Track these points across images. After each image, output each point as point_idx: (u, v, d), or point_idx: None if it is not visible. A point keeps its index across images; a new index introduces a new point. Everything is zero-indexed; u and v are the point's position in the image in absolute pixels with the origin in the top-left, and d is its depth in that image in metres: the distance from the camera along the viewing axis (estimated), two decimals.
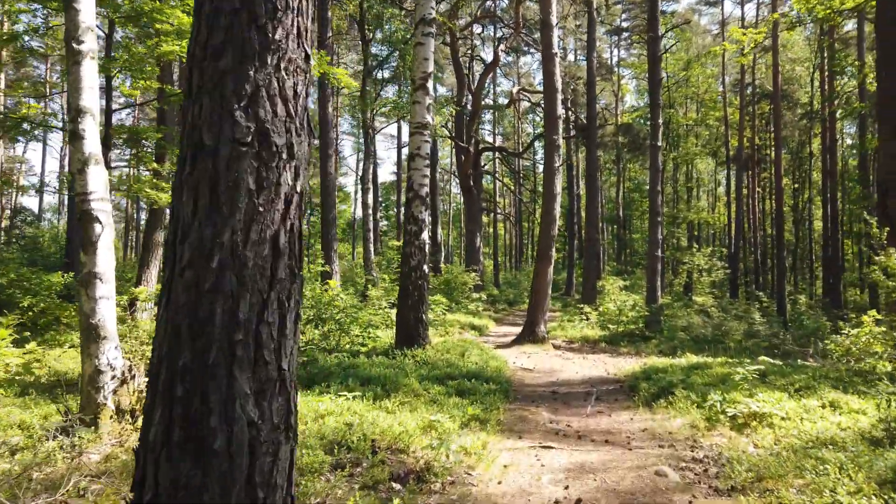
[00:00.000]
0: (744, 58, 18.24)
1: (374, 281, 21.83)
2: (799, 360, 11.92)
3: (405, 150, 41.30)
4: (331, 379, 6.94)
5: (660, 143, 18.58)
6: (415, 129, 8.79)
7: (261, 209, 2.20)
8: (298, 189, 2.36)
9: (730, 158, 36.81)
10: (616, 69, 43.84)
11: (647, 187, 19.20)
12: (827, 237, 29.23)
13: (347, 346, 9.13)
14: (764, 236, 40.26)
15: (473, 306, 22.39)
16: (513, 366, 9.95)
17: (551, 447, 5.29)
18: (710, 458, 5.07)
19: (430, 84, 8.95)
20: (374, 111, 21.45)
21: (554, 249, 13.00)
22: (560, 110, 13.16)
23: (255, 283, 2.16)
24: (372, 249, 22.10)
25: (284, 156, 2.30)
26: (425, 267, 8.69)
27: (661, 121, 18.61)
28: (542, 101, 13.73)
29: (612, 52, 45.73)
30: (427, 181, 8.77)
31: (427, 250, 8.72)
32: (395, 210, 49.53)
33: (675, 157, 38.15)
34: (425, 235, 8.70)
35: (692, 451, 5.26)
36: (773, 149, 40.95)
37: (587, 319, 17.70)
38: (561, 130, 13.25)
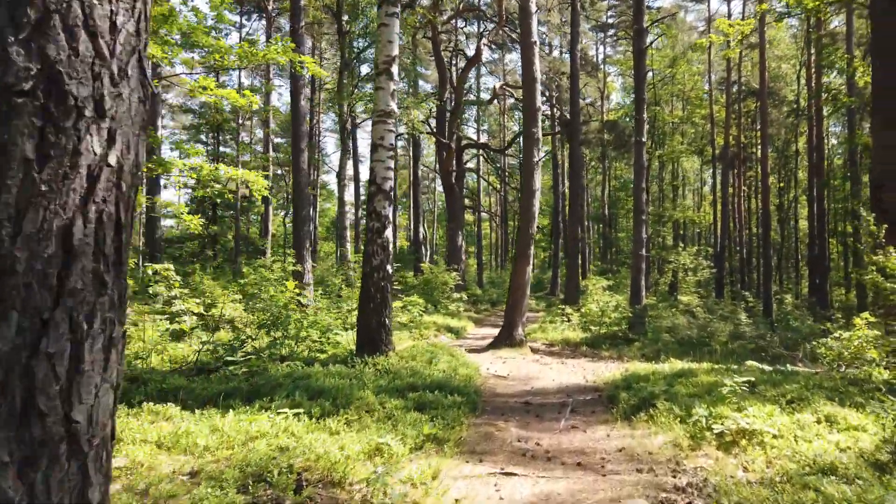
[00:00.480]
0: (731, 51, 17.71)
1: (350, 281, 21.12)
2: (788, 365, 11.41)
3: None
4: (277, 392, 6.25)
5: (644, 140, 18.04)
6: (378, 117, 8.09)
7: (44, 188, 1.51)
8: (113, 161, 1.66)
9: (715, 157, 36.48)
10: (602, 66, 43.38)
11: (633, 185, 18.64)
12: (813, 236, 28.92)
13: (305, 353, 8.43)
14: (749, 235, 40.04)
15: (454, 307, 21.76)
16: (485, 373, 9.30)
17: (514, 474, 4.63)
18: (695, 486, 4.44)
19: (394, 69, 8.25)
20: (352, 105, 20.71)
21: (533, 248, 12.39)
22: (539, 102, 12.54)
23: (30, 297, 1.47)
24: (349, 248, 21.37)
25: (88, 112, 1.60)
26: (388, 267, 8.02)
27: (645, 116, 18.07)
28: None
29: (597, 50, 45.30)
30: (391, 174, 8.09)
31: (391, 249, 8.04)
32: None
33: (660, 155, 37.79)
34: (388, 233, 8.02)
35: (674, 477, 4.63)
36: (758, 147, 40.76)
37: (569, 321, 17.14)
38: (541, 124, 12.62)
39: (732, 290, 35.66)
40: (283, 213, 54.38)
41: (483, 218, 46.90)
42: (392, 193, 8.05)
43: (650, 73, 36.89)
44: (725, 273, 35.16)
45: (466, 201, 30.74)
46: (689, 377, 7.78)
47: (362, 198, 61.54)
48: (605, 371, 9.94)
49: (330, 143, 72.78)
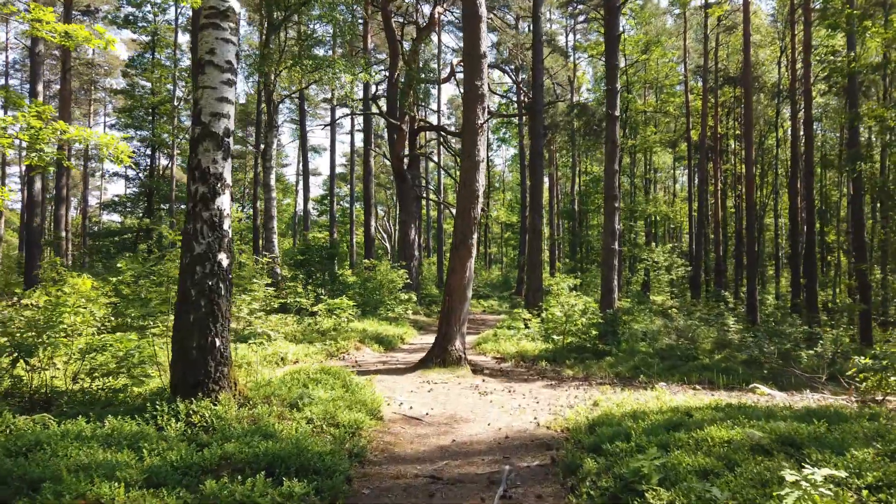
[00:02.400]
0: (718, 7, 15.07)
1: (278, 280, 18.01)
2: (809, 393, 8.77)
3: (351, 136, 37.14)
4: None
5: (618, 114, 15.37)
6: (207, 17, 5.09)
7: None
8: None
9: (691, 148, 34.26)
10: (572, 53, 40.90)
11: (605, 168, 15.96)
12: (796, 232, 26.77)
13: (98, 391, 5.39)
14: (725, 232, 37.93)
15: (400, 309, 18.83)
16: (391, 414, 6.38)
17: None
18: None
19: None
20: (278, 72, 17.57)
21: (476, 237, 9.50)
22: (485, 47, 9.63)
23: None
24: (276, 241, 18.25)
25: None
26: (223, 257, 5.04)
27: (619, 86, 15.42)
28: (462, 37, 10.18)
29: (567, 37, 42.77)
30: (229, 110, 5.11)
31: (228, 229, 5.06)
32: (349, 206, 45.60)
33: (633, 146, 35.40)
34: (224, 203, 5.05)
35: None
36: (735, 139, 38.79)
37: (527, 328, 14.34)
38: (487, 78, 9.75)
39: (708, 289, 33.49)
40: (238, 207, 50.65)
41: (442, 210, 44.07)
42: (229, 141, 5.07)
43: (623, 61, 34.48)
44: (701, 271, 32.94)
45: (423, 191, 27.75)
46: (692, 429, 4.97)
47: (321, 191, 57.66)
48: (567, 403, 7.12)
49: (285, 134, 68.91)
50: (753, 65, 34.24)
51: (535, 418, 6.43)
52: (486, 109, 9.69)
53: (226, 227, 5.10)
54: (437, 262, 33.82)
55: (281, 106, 51.18)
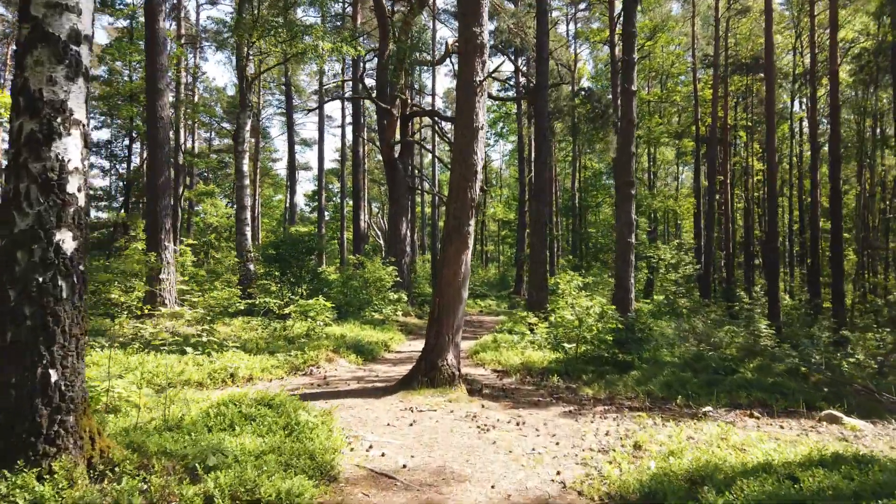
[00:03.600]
0: None
1: (249, 277, 16.07)
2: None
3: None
4: None
5: (635, 89, 13.48)
6: None
7: None
8: None
9: (699, 139, 32.39)
10: (573, 42, 39.06)
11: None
12: (816, 225, 24.99)
13: None
14: (733, 229, 36.11)
15: (389, 310, 16.93)
16: (352, 469, 4.44)
17: None
18: None
19: None
20: (251, 42, 15.59)
21: (473, 223, 7.58)
22: None
23: None
24: (248, 234, 16.30)
25: None
26: (65, 237, 3.12)
27: (636, 56, 13.52)
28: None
29: (567, 27, 40.87)
30: (86, 4, 3.22)
31: (82, 192, 3.13)
32: (340, 201, 43.51)
33: (638, 137, 33.50)
34: (72, 150, 3.14)
35: None
36: (746, 130, 36.95)
37: (532, 333, 12.42)
38: (487, 24, 7.81)
39: (715, 289, 31.73)
40: (227, 202, 48.42)
41: (436, 203, 42.13)
42: (78, 51, 3.14)
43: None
44: (711, 269, 31.09)
45: (417, 182, 25.76)
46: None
47: (314, 186, 55.61)
48: (598, 445, 5.23)
49: (275, 127, 66.77)
50: (762, 54, 32.43)
51: (559, 473, 4.52)
52: (486, 65, 7.76)
53: (72, 189, 3.16)
54: (432, 260, 31.89)
55: (270, 98, 49.31)
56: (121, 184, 34.62)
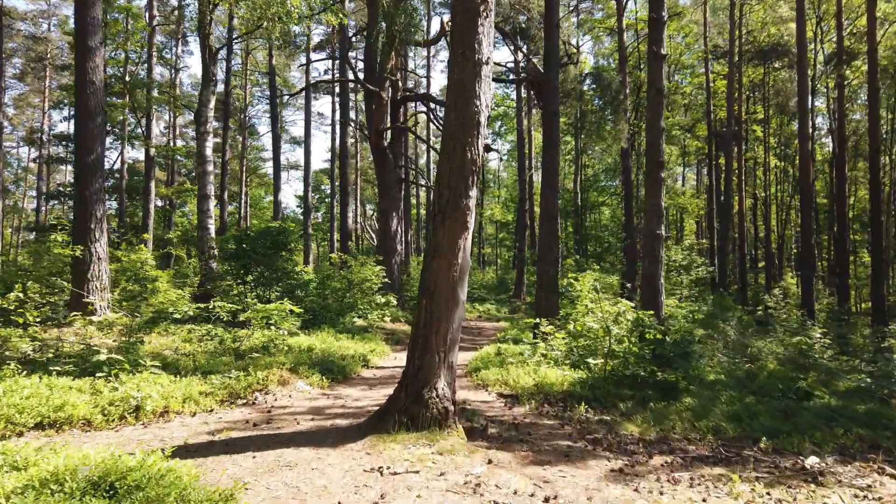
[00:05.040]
0: None
1: (212, 277, 13.85)
2: None
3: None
4: None
5: (665, 52, 11.35)
6: None
7: None
8: None
9: (712, 132, 30.32)
10: (576, 34, 37.03)
11: (647, 122, 11.92)
12: (844, 223, 22.86)
13: None
14: (743, 227, 34.01)
15: (375, 315, 14.79)
16: None
17: None
18: None
19: None
20: (214, 6, 13.39)
21: (474, 196, 5.39)
22: None
23: None
24: (211, 228, 14.09)
25: None
26: None
27: (665, 14, 11.39)
28: None
29: (569, 19, 38.84)
30: None
31: None
32: (330, 202, 41.08)
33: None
34: None
35: None
36: (760, 124, 34.90)
37: (545, 342, 10.18)
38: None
39: (728, 291, 29.57)
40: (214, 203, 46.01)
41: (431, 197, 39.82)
42: None
43: (630, 35, 30.68)
44: (725, 271, 28.95)
45: (410, 172, 23.52)
46: None
47: (298, 189, 53.43)
48: None
49: (263, 124, 64.38)
50: (781, 40, 30.45)
51: None
52: None
53: None
54: (424, 258, 29.57)
55: (255, 90, 46.97)
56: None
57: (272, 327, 9.45)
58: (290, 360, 7.69)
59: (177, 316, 9.83)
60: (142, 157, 31.39)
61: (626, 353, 7.92)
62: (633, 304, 9.25)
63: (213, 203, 13.94)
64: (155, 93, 21.04)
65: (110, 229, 27.21)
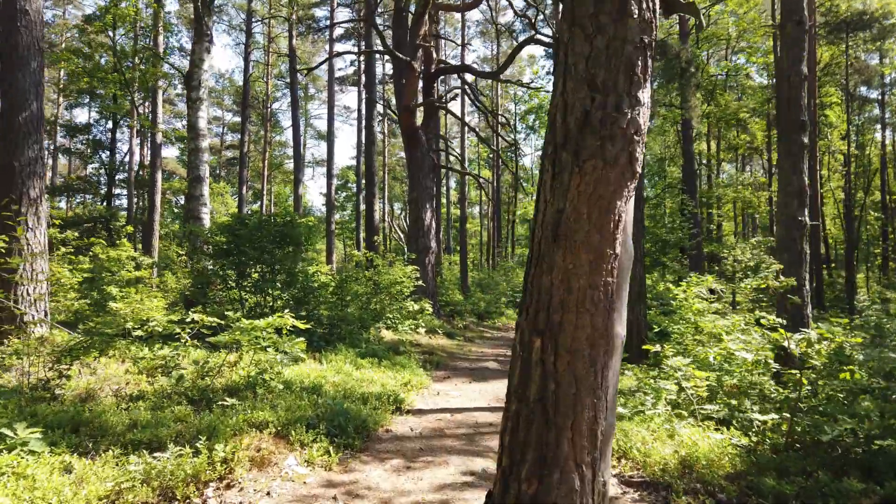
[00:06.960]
0: None
1: (208, 277, 11.14)
2: None
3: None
4: None
5: (806, 19, 8.28)
6: None
7: None
8: None
9: (781, 116, 26.76)
10: None
11: (776, 72, 8.82)
12: None
13: None
14: (823, 224, 30.20)
15: (407, 326, 12.01)
16: None
17: None
18: None
19: None
20: None
21: (647, 106, 2.52)
22: None
23: None
24: (206, 216, 11.42)
25: None
26: None
27: None
28: None
29: None
30: None
31: None
32: (356, 199, 38.42)
33: (708, 115, 28.03)
34: None
35: None
36: (835, 109, 31.19)
37: (662, 371, 7.09)
38: None
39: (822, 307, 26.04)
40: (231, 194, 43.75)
41: (474, 198, 36.78)
42: None
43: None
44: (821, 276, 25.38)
45: (443, 160, 20.62)
46: None
47: (336, 182, 51.03)
48: None
49: (287, 118, 62.19)
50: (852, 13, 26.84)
51: None
52: None
53: None
54: (461, 260, 26.66)
55: (278, 83, 44.50)
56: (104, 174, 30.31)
57: (268, 350, 6.66)
58: (280, 413, 4.84)
59: (139, 333, 7.08)
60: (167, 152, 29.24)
61: (814, 409, 4.90)
62: (781, 322, 6.20)
63: (207, 188, 11.26)
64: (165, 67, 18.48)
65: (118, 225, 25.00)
